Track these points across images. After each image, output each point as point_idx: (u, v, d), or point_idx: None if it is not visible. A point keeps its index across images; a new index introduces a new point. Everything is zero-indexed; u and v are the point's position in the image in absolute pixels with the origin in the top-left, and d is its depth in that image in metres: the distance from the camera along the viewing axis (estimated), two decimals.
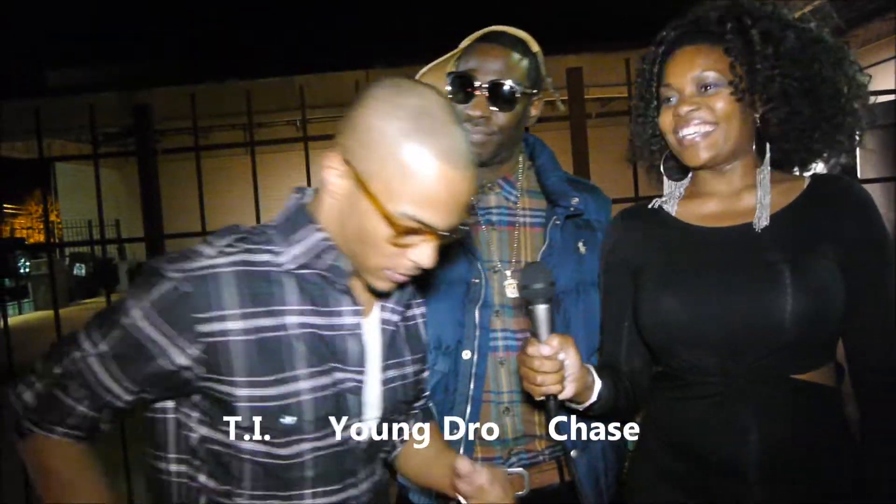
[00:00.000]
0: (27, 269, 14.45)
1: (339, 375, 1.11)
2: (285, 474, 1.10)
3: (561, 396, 1.25)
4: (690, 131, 1.29)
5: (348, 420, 1.13)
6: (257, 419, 1.06)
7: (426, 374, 1.35)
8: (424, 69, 1.60)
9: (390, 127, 1.01)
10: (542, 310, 1.19)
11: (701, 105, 1.28)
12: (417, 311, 1.33)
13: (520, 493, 1.47)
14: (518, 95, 1.50)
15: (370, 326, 1.17)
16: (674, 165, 1.43)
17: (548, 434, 1.46)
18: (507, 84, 1.49)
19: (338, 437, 1.13)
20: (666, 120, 1.34)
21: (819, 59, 1.28)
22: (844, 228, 1.26)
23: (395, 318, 1.20)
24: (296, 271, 1.10)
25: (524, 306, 1.22)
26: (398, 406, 1.22)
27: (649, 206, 1.46)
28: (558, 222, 1.57)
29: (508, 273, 1.56)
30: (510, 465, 1.50)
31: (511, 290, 1.54)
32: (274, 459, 1.09)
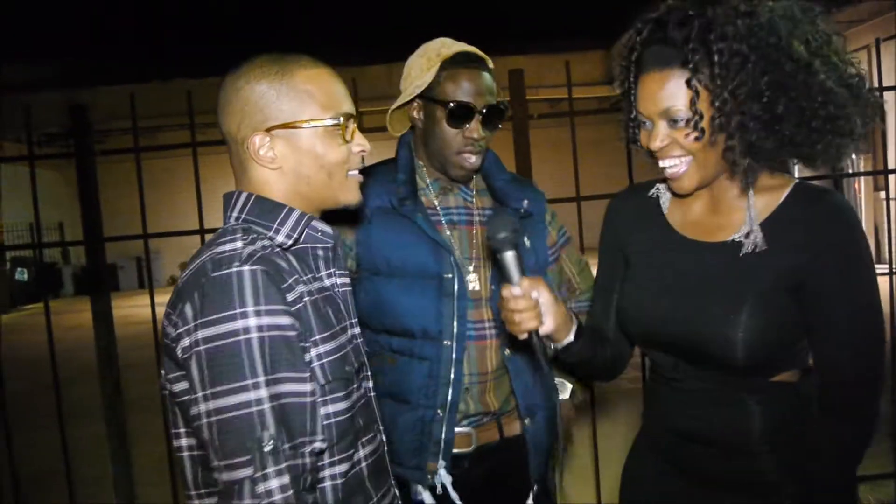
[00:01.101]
0: None
1: (349, 332, 1.28)
2: (351, 427, 1.22)
3: (542, 331, 1.32)
4: (667, 164, 1.29)
5: (363, 371, 1.31)
6: (330, 372, 1.17)
7: None
8: (395, 105, 1.74)
9: (273, 79, 1.19)
10: (509, 256, 1.29)
11: (672, 139, 1.26)
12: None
13: (467, 449, 1.72)
14: (504, 113, 1.68)
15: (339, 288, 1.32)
16: None
17: (500, 409, 1.74)
18: (501, 105, 1.67)
19: (363, 388, 1.30)
20: (644, 142, 1.32)
21: (793, 72, 1.19)
22: (817, 246, 1.22)
23: (347, 280, 1.34)
24: (291, 249, 1.22)
25: (493, 257, 1.34)
26: (364, 358, 1.35)
27: (650, 193, 1.46)
28: None
29: (471, 269, 1.73)
30: (461, 426, 1.72)
31: (472, 285, 1.71)
32: (343, 415, 1.19)
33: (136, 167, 2.77)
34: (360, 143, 1.27)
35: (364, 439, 1.27)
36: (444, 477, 1.69)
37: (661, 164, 1.29)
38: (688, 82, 1.20)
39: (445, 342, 1.66)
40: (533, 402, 1.74)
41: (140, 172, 2.78)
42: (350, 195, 1.28)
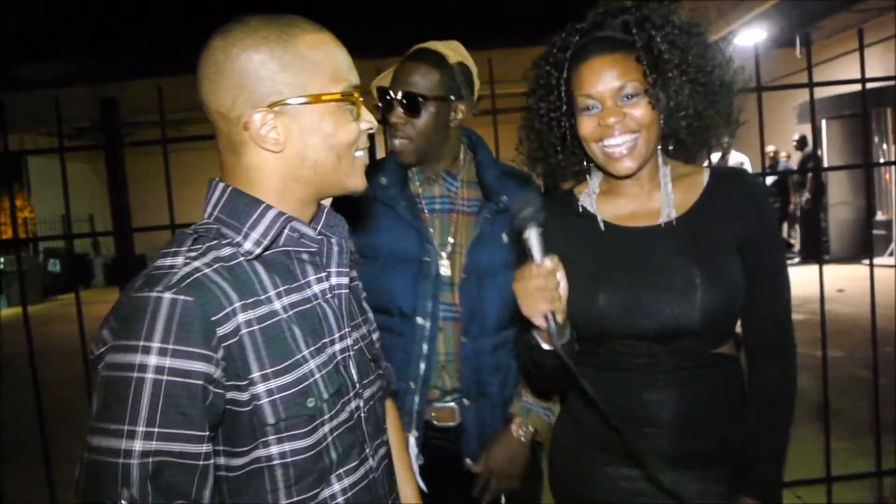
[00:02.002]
0: (1, 266, 14.25)
1: (331, 349, 1.11)
2: (316, 465, 1.07)
3: (559, 318, 1.25)
4: (616, 142, 1.36)
5: (348, 392, 1.14)
6: (283, 409, 1.02)
7: (375, 334, 1.36)
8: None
9: (275, 46, 1.03)
10: (532, 234, 1.23)
11: (626, 115, 1.35)
12: (353, 273, 1.31)
13: (451, 423, 1.82)
14: (423, 103, 1.75)
15: (332, 293, 1.17)
16: (578, 161, 1.51)
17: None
18: (415, 94, 1.75)
19: (347, 411, 1.13)
20: (588, 128, 1.39)
21: (717, 65, 1.39)
22: (744, 220, 1.40)
23: (345, 280, 1.18)
24: (262, 255, 1.07)
25: (518, 236, 1.27)
26: (369, 366, 1.23)
27: (571, 198, 1.53)
28: (488, 216, 1.82)
29: (443, 254, 1.83)
30: (444, 402, 1.83)
31: (445, 270, 1.82)
32: (304, 454, 1.05)
33: (164, 158, 2.82)
34: (368, 120, 1.12)
35: (342, 471, 1.11)
36: (412, 447, 1.79)
37: (608, 142, 1.37)
38: (637, 59, 1.34)
39: (419, 320, 1.78)
40: (479, 387, 1.82)
41: (167, 163, 2.82)
42: (357, 180, 1.14)
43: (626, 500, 1.42)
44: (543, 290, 1.23)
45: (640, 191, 1.45)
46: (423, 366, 1.79)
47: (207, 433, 0.96)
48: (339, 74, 1.07)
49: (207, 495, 0.96)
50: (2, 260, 14.15)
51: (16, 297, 14.17)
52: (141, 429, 0.90)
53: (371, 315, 1.37)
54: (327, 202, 1.23)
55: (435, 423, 1.84)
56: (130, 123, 11.07)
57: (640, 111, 1.35)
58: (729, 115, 1.43)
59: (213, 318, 0.96)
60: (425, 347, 1.79)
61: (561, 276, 1.26)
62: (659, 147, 1.43)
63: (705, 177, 1.45)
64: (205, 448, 0.95)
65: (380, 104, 1.80)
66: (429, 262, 1.79)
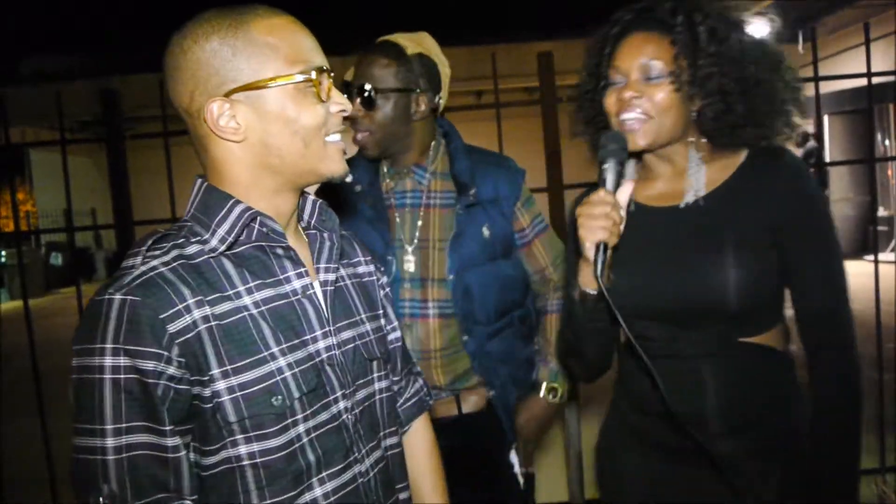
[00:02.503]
0: (2, 259, 14.24)
1: (312, 347, 1.08)
2: (289, 467, 1.04)
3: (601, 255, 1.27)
4: (630, 117, 1.35)
5: (333, 392, 1.10)
6: (246, 407, 1.00)
7: (394, 333, 1.33)
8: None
9: (226, 34, 1.01)
10: (609, 165, 1.29)
11: (643, 93, 1.34)
12: (367, 268, 1.30)
13: None
14: (379, 95, 1.74)
15: (317, 289, 1.13)
16: None
17: (449, 385, 1.83)
18: (367, 87, 1.74)
19: (329, 412, 1.09)
20: (610, 101, 1.39)
21: (757, 62, 1.35)
22: (780, 202, 1.33)
23: (331, 276, 1.15)
24: (230, 252, 1.05)
25: (600, 166, 1.32)
26: (365, 366, 1.18)
27: None
28: (461, 211, 1.81)
29: (409, 249, 1.81)
30: None
31: (408, 265, 1.81)
32: (275, 455, 1.03)
33: (165, 152, 2.81)
34: (338, 101, 1.07)
35: (324, 474, 1.07)
36: (513, 457, 1.82)
37: (623, 115, 1.36)
38: (672, 42, 1.33)
39: None
40: (490, 378, 1.85)
41: (169, 157, 2.82)
42: (333, 165, 1.08)
43: (670, 495, 1.41)
44: (606, 218, 1.25)
45: (671, 172, 1.44)
46: None
47: (170, 427, 0.97)
48: (297, 56, 1.03)
49: (187, 486, 0.98)
50: (3, 253, 14.15)
51: (17, 290, 14.18)
52: (109, 426, 0.94)
53: (391, 312, 1.33)
54: (311, 191, 1.20)
55: None
56: (132, 118, 11.06)
57: (660, 94, 1.33)
58: (762, 117, 1.35)
59: (163, 316, 0.96)
60: None
61: (624, 212, 1.29)
62: (690, 138, 1.40)
63: (742, 156, 1.40)
64: (170, 441, 0.97)
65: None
66: (390, 259, 1.79)
